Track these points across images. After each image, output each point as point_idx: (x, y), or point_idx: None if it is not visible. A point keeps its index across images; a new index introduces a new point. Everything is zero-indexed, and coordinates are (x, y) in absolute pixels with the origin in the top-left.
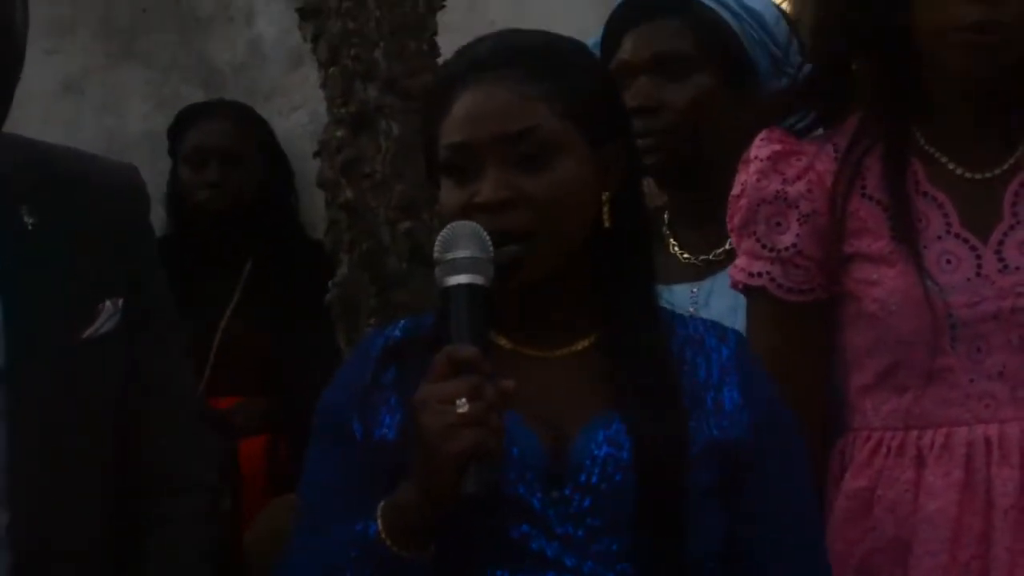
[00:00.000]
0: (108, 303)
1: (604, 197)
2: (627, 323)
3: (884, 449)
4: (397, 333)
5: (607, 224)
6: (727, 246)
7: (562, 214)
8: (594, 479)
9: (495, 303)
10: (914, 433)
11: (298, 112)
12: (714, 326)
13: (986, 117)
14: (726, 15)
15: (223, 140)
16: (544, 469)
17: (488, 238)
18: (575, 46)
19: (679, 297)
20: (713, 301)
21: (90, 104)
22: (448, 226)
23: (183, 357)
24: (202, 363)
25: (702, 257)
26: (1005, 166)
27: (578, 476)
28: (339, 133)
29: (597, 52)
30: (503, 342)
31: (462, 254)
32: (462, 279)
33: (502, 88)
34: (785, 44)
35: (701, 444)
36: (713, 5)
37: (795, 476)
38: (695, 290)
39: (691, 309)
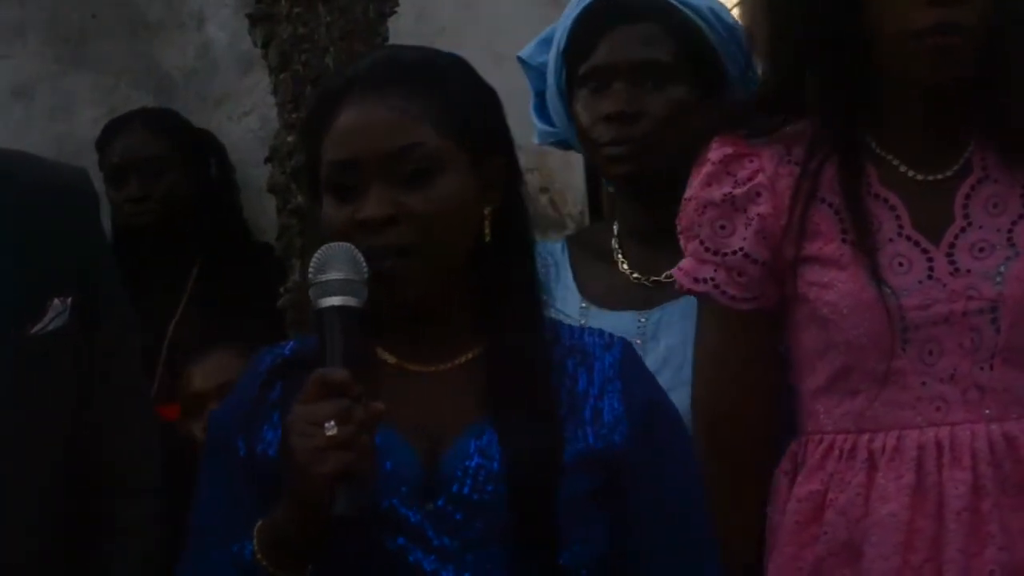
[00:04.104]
0: (56, 300)
1: (486, 211)
2: (509, 335)
3: (836, 452)
4: (286, 352)
5: (488, 238)
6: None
7: (444, 230)
8: (466, 490)
9: (376, 321)
10: (865, 436)
11: (249, 117)
12: (600, 335)
13: (936, 119)
14: (702, 24)
15: (139, 153)
16: (418, 482)
17: (362, 259)
18: (455, 61)
19: (625, 324)
20: (662, 335)
21: (40, 110)
22: (321, 248)
23: (137, 358)
24: (151, 371)
25: (653, 278)
26: (955, 168)
27: (450, 487)
28: (290, 138)
29: (549, 46)
30: (388, 358)
31: (334, 276)
32: (334, 301)
33: (384, 105)
34: (749, 55)
35: (575, 453)
36: (690, 13)
37: (678, 477)
38: (643, 320)
39: (637, 341)
